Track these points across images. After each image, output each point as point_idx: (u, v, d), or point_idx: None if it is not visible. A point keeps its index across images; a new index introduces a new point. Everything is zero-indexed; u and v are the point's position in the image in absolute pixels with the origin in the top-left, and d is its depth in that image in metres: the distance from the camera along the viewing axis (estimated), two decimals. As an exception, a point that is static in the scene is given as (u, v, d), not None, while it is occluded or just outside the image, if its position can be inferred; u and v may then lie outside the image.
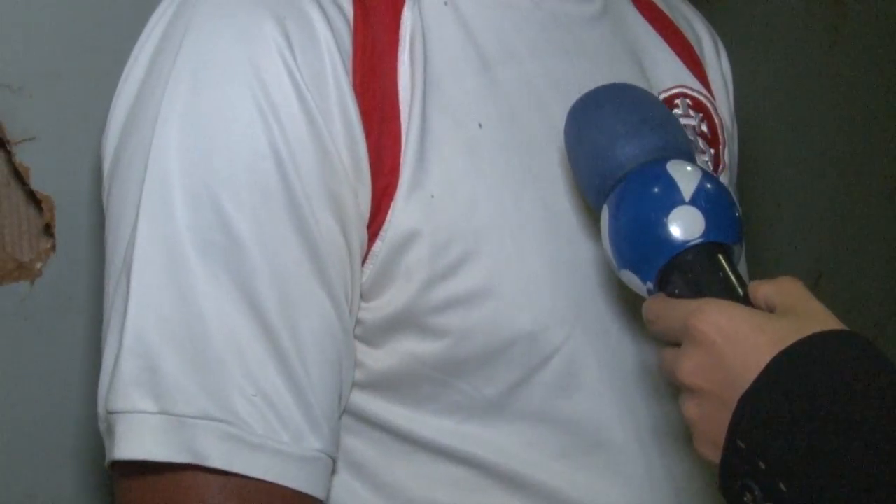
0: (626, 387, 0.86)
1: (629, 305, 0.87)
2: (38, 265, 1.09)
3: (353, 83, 0.79)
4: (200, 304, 0.74)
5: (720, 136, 1.00)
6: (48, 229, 1.09)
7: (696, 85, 1.01)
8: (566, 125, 0.81)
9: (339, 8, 0.81)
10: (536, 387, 0.83)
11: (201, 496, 0.74)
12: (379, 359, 0.82)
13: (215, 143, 0.75)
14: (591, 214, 0.86)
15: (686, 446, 0.87)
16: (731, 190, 1.02)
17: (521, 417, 0.83)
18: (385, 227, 0.79)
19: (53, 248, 1.09)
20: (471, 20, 0.86)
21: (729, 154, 1.02)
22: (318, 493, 0.77)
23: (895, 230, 2.05)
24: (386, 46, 0.82)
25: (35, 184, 1.07)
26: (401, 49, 0.82)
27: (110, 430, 0.76)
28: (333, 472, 0.82)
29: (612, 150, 0.77)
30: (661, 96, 0.97)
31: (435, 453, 0.83)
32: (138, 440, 0.74)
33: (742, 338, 0.68)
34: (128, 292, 0.75)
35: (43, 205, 1.08)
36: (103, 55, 1.05)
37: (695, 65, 1.03)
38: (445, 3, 0.86)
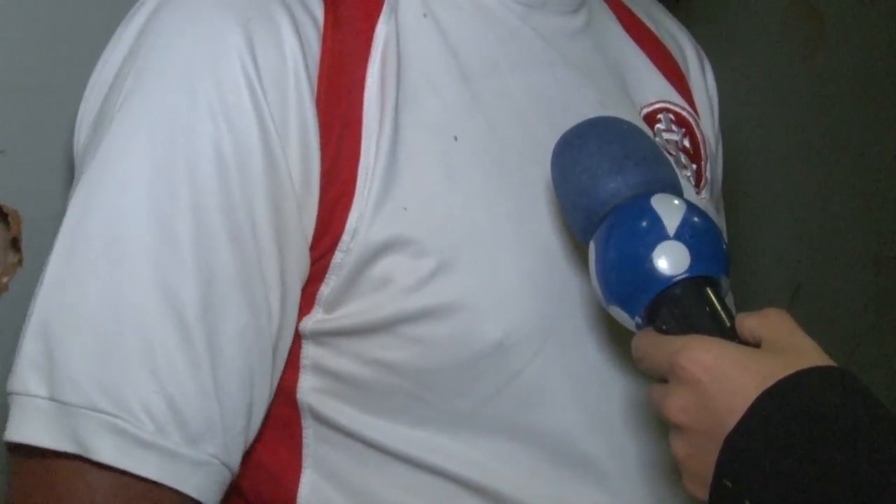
0: (600, 401, 0.86)
1: (604, 319, 0.86)
2: (5, 279, 1.09)
3: (316, 91, 0.79)
4: (119, 294, 0.74)
5: (702, 152, 1.00)
6: (15, 243, 1.08)
7: (679, 100, 1.01)
8: (552, 162, 0.81)
9: (311, 15, 0.81)
10: (507, 400, 0.83)
11: (86, 487, 0.74)
12: (347, 365, 0.82)
13: (159, 138, 0.76)
14: (569, 230, 0.85)
15: (664, 459, 0.88)
16: (713, 207, 1.03)
17: (492, 431, 0.83)
18: (345, 238, 0.79)
19: (20, 262, 1.09)
20: (451, 33, 0.86)
21: (712, 172, 1.03)
22: (206, 498, 0.77)
23: (873, 243, 2.07)
24: (356, 57, 0.82)
25: (1, 198, 1.06)
26: (371, 61, 0.82)
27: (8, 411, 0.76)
28: (308, 480, 0.83)
29: (596, 187, 0.77)
30: (643, 111, 0.97)
31: (408, 464, 0.83)
32: (26, 424, 0.74)
33: (727, 376, 0.69)
34: (43, 277, 0.76)
35: (10, 219, 1.07)
36: (71, 69, 1.05)
37: (678, 80, 1.03)
38: (425, 16, 0.86)
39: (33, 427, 0.74)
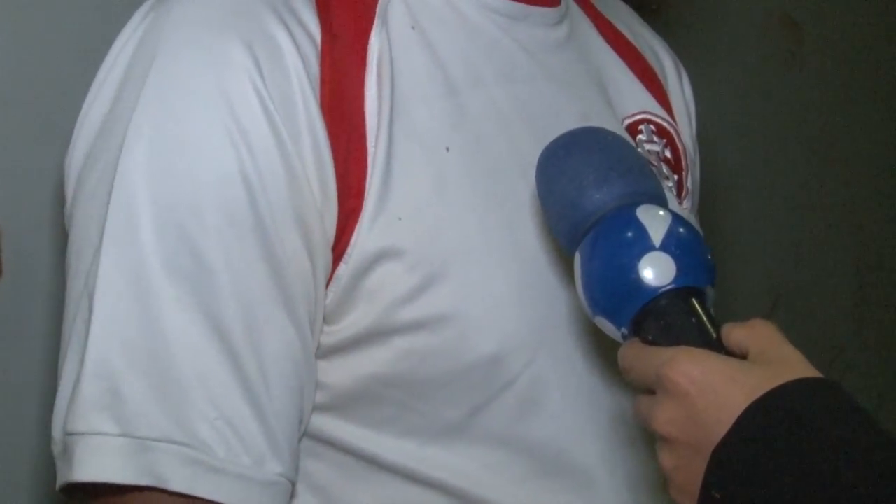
0: (591, 411, 0.86)
1: (593, 328, 0.85)
2: (-15, 291, 1.08)
3: (321, 106, 0.79)
4: (165, 327, 0.74)
5: (683, 162, 1.01)
6: (-5, 255, 1.07)
7: (660, 111, 1.01)
8: (537, 173, 0.81)
9: (307, 31, 0.80)
10: (498, 410, 0.83)
11: None
12: (340, 379, 0.82)
13: (182, 167, 0.75)
14: (555, 240, 0.85)
15: (653, 468, 0.85)
16: (694, 216, 1.03)
17: (482, 441, 0.83)
18: (349, 250, 0.79)
19: (0, 274, 1.07)
20: (438, 45, 0.86)
21: (691, 180, 1.03)
22: None
23: (853, 253, 2.07)
24: (353, 70, 0.82)
25: (-18, 211, 1.06)
26: (368, 73, 0.82)
27: (67, 452, 0.75)
28: (294, 495, 0.82)
29: (581, 199, 0.77)
30: (625, 122, 0.97)
31: (397, 476, 0.83)
32: (99, 462, 0.74)
33: (715, 388, 0.69)
34: (90, 315, 0.75)
35: (-10, 232, 1.06)
36: (52, 83, 1.05)
37: (658, 91, 1.03)
38: (413, 28, 0.86)
39: (109, 464, 0.74)
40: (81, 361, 0.75)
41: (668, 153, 0.99)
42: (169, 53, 0.77)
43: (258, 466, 0.75)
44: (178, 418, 0.74)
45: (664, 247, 0.73)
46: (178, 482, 0.73)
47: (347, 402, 0.82)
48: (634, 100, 0.99)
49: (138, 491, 0.74)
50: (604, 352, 0.86)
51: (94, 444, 0.74)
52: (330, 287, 0.80)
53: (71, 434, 0.75)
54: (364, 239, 0.79)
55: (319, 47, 0.80)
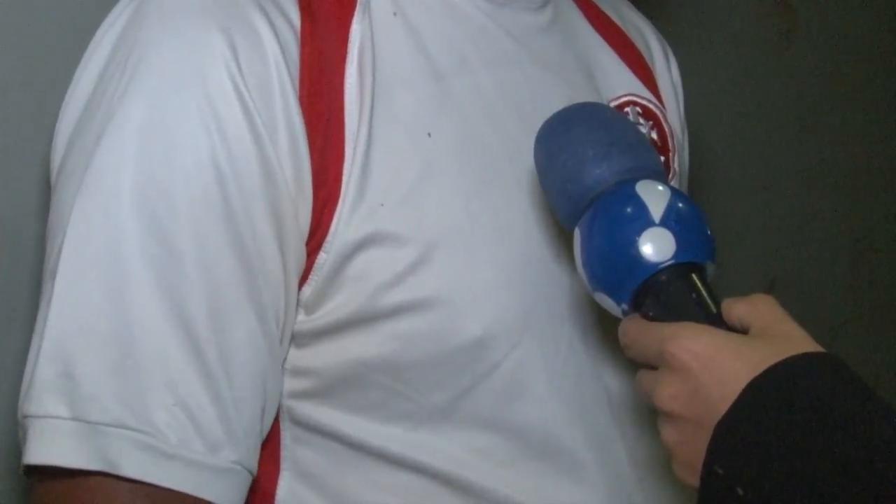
0: (577, 394, 0.86)
1: (580, 313, 0.87)
2: (-24, 278, 1.08)
3: (299, 95, 0.79)
4: (128, 311, 0.74)
5: (670, 144, 1.00)
6: (-13, 241, 1.07)
7: (646, 93, 1.01)
8: (536, 148, 0.81)
9: (287, 19, 0.80)
10: (484, 394, 0.83)
11: (111, 502, 0.74)
12: (326, 365, 0.82)
13: (156, 152, 0.76)
14: (543, 225, 0.86)
15: (642, 450, 0.88)
16: None
17: (469, 424, 0.84)
18: (329, 239, 0.80)
19: (-4, 260, 1.08)
20: (422, 31, 0.86)
21: (679, 162, 1.03)
22: (231, 503, 0.77)
23: (849, 235, 2.07)
24: (334, 58, 0.82)
25: (-27, 197, 1.06)
26: (349, 61, 0.82)
27: (23, 434, 0.76)
28: (283, 482, 0.83)
29: (581, 174, 0.77)
30: (611, 104, 0.97)
31: (385, 461, 0.83)
32: (49, 445, 0.74)
33: (717, 364, 0.69)
34: (51, 296, 0.75)
35: (-18, 218, 1.06)
36: (48, 68, 1.04)
37: (644, 73, 1.03)
38: (395, 14, 0.86)
39: (59, 448, 0.74)
40: (40, 343, 0.75)
41: (654, 135, 0.99)
42: (149, 41, 0.78)
43: (212, 453, 0.75)
44: (133, 403, 0.74)
45: (664, 222, 0.73)
46: (130, 468, 0.73)
47: (334, 388, 0.83)
48: (620, 82, 0.99)
49: (91, 476, 0.74)
50: (591, 334, 0.87)
51: (46, 427, 0.74)
52: (311, 276, 0.80)
53: (26, 416, 0.75)
54: (344, 227, 0.79)
55: (299, 35, 0.80)
